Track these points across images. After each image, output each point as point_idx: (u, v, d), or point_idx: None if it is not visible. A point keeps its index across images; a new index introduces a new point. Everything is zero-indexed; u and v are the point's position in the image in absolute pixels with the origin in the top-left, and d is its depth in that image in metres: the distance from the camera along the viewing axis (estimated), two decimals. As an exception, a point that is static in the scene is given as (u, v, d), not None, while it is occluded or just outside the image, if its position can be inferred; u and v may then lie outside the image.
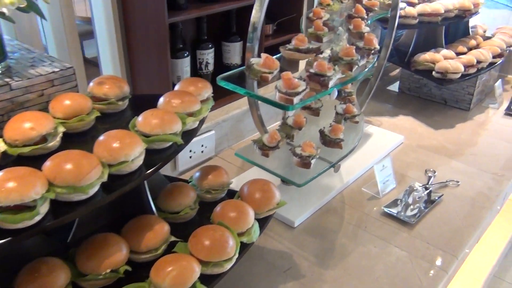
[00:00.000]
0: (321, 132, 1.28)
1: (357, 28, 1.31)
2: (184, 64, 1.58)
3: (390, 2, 1.62)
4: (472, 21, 2.39)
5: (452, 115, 2.01)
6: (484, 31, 2.31)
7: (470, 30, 2.24)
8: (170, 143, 0.93)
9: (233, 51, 1.77)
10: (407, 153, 1.71)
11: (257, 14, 1.15)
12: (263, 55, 1.02)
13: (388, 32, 1.60)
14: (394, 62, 2.08)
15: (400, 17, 1.87)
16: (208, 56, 1.67)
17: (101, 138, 0.85)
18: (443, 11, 1.90)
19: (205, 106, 1.06)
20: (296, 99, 0.94)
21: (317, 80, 0.98)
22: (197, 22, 1.65)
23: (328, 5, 1.57)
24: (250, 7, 1.71)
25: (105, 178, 0.79)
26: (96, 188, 0.78)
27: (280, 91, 0.95)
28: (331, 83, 1.00)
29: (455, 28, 2.21)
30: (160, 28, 1.38)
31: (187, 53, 1.57)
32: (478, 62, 1.91)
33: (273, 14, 1.93)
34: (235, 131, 1.72)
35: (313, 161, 1.15)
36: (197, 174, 1.09)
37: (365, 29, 1.32)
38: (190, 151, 1.54)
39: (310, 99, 0.99)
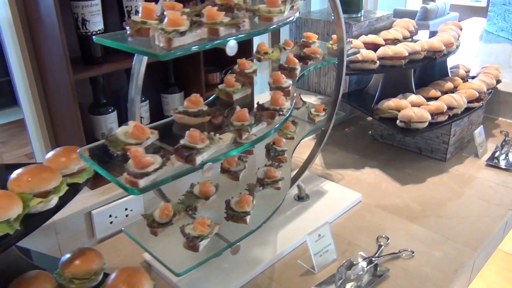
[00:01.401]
0: (227, 204, 1.11)
1: (276, 82, 1.16)
2: (109, 120, 1.46)
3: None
4: (457, 60, 2.20)
5: (426, 167, 1.80)
6: (467, 72, 2.11)
7: (449, 71, 2.05)
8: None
9: (172, 103, 1.65)
10: (362, 215, 1.50)
11: (135, 67, 1.02)
12: (131, 123, 0.87)
13: (336, 84, 1.44)
14: (360, 109, 1.90)
15: (358, 61, 1.71)
16: (141, 110, 1.55)
17: None
18: (407, 54, 1.73)
19: (72, 179, 0.93)
20: (143, 182, 0.79)
21: (182, 154, 0.83)
22: (128, 75, 1.54)
23: (266, 53, 1.43)
24: (188, 58, 1.61)
25: None
26: None
27: (127, 171, 0.80)
28: (199, 158, 0.84)
29: (432, 70, 2.02)
30: (66, 85, 1.27)
31: (112, 108, 1.46)
32: (450, 108, 1.71)
33: (221, 61, 1.81)
34: (172, 189, 1.55)
35: (202, 243, 0.97)
36: (64, 258, 0.94)
37: (286, 83, 1.17)
38: (111, 216, 1.40)
39: (160, 181, 0.82)
